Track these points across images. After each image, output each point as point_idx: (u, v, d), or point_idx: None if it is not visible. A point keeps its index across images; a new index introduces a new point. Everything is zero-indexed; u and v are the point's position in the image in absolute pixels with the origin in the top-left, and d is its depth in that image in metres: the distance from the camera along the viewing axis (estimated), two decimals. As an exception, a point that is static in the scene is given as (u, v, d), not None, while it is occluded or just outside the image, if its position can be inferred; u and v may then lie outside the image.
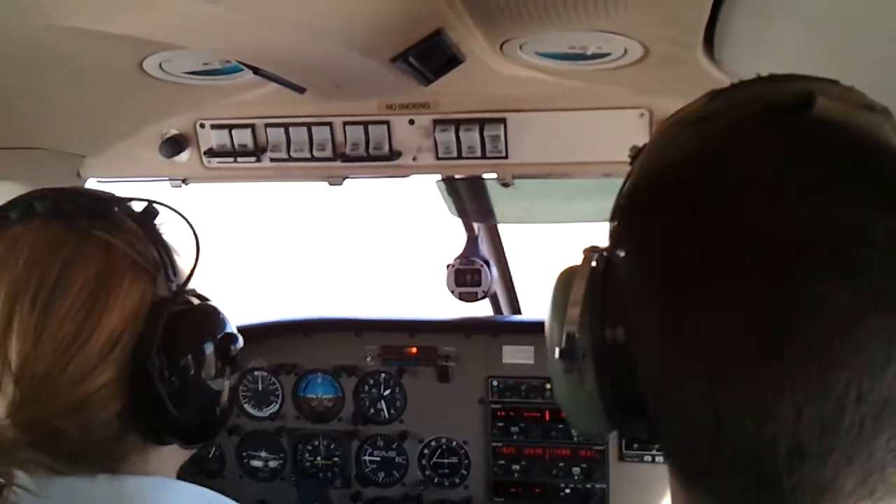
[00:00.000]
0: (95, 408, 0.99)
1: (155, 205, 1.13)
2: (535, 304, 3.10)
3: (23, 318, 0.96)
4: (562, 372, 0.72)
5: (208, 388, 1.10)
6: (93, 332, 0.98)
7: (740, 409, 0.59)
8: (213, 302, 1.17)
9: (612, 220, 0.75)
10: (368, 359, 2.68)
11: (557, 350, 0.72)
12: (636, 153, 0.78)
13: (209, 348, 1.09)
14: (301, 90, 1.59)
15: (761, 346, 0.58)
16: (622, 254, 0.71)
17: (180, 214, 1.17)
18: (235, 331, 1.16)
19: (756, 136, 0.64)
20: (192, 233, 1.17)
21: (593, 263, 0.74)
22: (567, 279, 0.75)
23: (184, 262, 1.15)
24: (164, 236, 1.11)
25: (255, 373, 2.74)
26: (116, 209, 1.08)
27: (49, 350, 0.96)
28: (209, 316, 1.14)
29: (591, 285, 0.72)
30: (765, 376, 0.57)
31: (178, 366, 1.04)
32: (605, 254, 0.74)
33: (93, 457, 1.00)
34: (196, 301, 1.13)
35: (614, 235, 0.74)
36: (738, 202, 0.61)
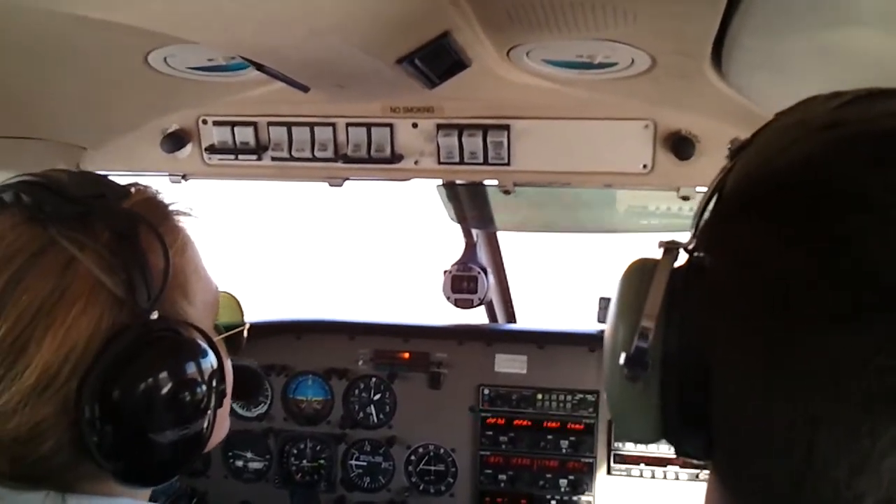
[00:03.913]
0: (36, 441, 0.89)
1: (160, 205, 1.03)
2: (530, 313, 3.09)
3: None
4: (624, 379, 0.66)
5: (150, 440, 0.93)
6: (26, 367, 0.86)
7: (837, 455, 0.54)
8: (194, 335, 0.99)
9: (700, 217, 0.69)
10: (360, 362, 2.67)
11: (623, 356, 0.66)
12: (737, 148, 0.70)
13: (161, 392, 0.92)
14: (305, 89, 1.58)
15: (881, 396, 0.53)
16: (714, 258, 0.64)
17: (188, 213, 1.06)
18: (208, 372, 0.99)
19: None
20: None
21: (675, 262, 0.67)
22: (641, 275, 0.68)
23: (200, 272, 1.04)
24: (147, 249, 0.94)
25: (246, 372, 2.73)
26: (97, 215, 0.93)
27: None
28: (171, 352, 0.95)
29: (672, 287, 0.65)
30: (878, 427, 0.53)
31: (118, 411, 0.89)
32: (691, 253, 0.68)
33: (49, 478, 0.92)
34: (175, 332, 0.96)
35: (706, 236, 0.67)
36: (881, 234, 0.54)
